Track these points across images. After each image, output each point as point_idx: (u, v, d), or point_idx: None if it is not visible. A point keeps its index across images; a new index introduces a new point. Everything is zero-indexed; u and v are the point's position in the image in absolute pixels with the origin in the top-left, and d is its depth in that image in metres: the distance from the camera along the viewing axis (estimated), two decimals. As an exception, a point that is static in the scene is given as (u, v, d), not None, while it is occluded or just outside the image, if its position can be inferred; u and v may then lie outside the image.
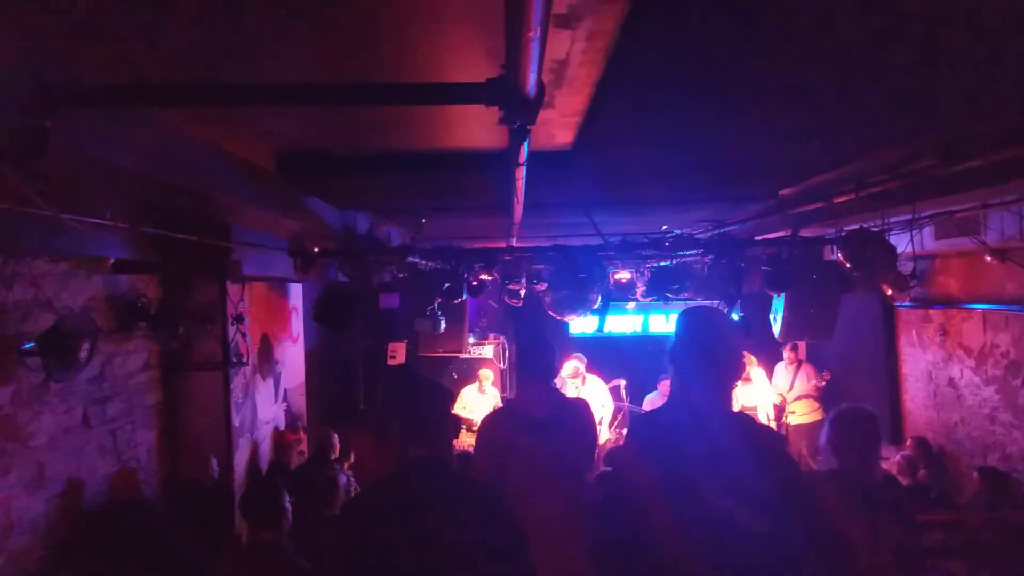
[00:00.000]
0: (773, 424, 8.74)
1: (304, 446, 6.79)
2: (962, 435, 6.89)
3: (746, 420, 2.79)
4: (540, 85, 2.10)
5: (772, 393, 8.90)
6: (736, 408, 8.61)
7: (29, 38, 2.14)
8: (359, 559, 2.20)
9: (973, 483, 5.97)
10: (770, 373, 9.14)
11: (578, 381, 8.80)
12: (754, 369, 8.84)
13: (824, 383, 8.65)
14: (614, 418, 8.78)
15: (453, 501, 2.30)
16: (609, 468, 5.91)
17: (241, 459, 5.47)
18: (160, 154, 3.23)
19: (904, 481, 6.38)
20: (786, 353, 8.98)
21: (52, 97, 2.05)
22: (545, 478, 3.65)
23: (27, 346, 3.37)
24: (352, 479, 6.26)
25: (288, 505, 3.42)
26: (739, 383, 8.67)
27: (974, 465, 6.31)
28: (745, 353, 8.64)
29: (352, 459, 6.59)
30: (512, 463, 3.68)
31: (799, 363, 8.91)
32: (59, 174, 2.68)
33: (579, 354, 8.88)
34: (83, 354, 3.48)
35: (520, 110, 2.20)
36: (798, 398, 8.80)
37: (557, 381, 7.68)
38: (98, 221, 3.26)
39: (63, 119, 2.17)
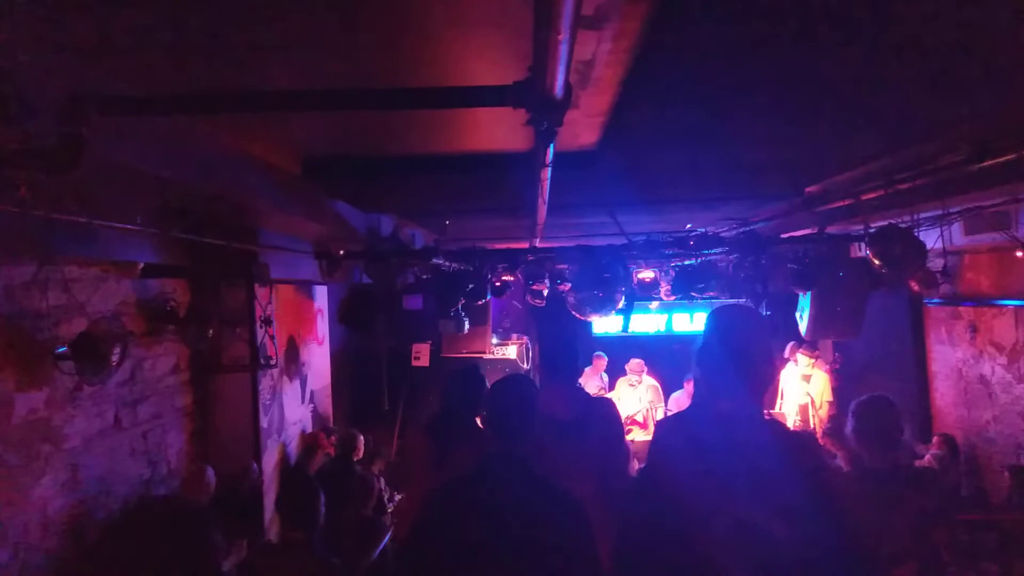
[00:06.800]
0: (820, 418, 8.63)
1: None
2: (994, 433, 6.78)
3: (776, 427, 2.72)
4: (567, 87, 2.10)
5: (827, 391, 8.78)
6: (790, 403, 8.52)
7: (67, 49, 2.18)
8: (436, 551, 2.22)
9: (1005, 482, 5.89)
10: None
11: (635, 378, 8.87)
12: (815, 370, 8.75)
13: (838, 365, 8.63)
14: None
15: (531, 501, 2.31)
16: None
17: (269, 460, 5.51)
18: (189, 160, 3.27)
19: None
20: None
21: (87, 106, 2.09)
22: (574, 480, 3.64)
23: (60, 350, 3.43)
24: (383, 481, 6.27)
25: (323, 508, 3.45)
26: (799, 379, 8.60)
27: (1006, 464, 6.21)
28: (814, 353, 8.58)
29: (380, 463, 6.59)
30: (540, 465, 3.67)
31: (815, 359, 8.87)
32: (92, 180, 2.72)
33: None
34: (114, 357, 3.52)
35: (547, 112, 2.21)
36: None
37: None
38: (129, 226, 3.31)
39: (97, 127, 2.21)
